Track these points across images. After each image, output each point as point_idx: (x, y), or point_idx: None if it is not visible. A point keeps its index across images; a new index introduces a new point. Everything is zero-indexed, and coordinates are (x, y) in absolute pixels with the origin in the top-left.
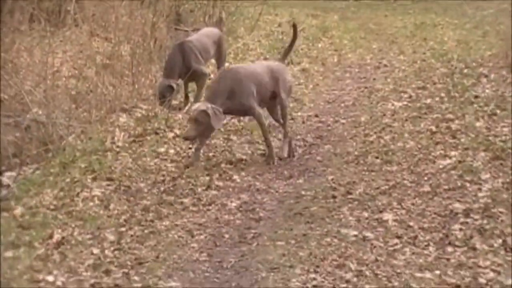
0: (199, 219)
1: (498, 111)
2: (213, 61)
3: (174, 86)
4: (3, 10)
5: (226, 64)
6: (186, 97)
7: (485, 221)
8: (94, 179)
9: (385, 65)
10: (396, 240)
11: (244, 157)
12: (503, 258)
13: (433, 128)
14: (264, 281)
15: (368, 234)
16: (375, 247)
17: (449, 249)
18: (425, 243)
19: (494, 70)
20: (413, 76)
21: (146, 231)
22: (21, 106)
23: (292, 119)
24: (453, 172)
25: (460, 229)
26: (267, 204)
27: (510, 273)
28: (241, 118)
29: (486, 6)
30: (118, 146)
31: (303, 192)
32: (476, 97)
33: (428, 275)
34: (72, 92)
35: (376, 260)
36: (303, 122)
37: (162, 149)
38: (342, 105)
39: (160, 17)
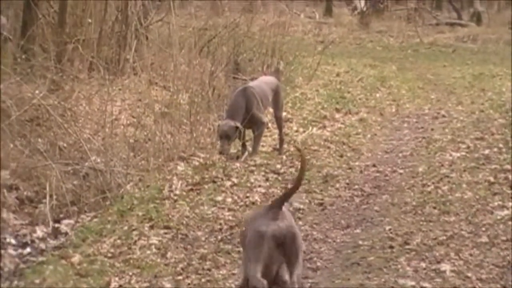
0: None
1: None
2: (270, 110)
3: (240, 127)
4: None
5: (284, 113)
6: (244, 145)
7: None
8: (151, 227)
9: (443, 116)
10: None
11: (301, 206)
12: None
13: (491, 179)
14: None
15: (426, 285)
16: None
17: None
18: None
19: None
20: (471, 126)
21: (203, 279)
22: (79, 154)
23: (350, 168)
24: (510, 223)
25: None
26: (324, 253)
27: None
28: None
29: None
30: (175, 194)
31: (360, 242)
32: None
33: None
34: (130, 140)
35: None
36: (361, 172)
37: (219, 198)
38: (400, 155)
39: (218, 66)
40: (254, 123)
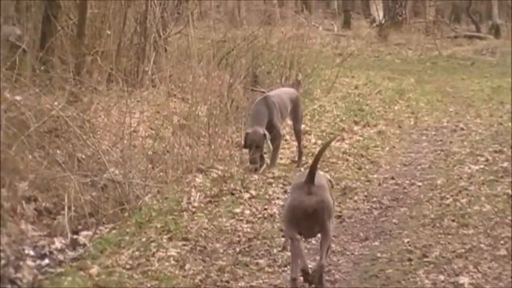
0: (275, 281)
1: None
2: (288, 122)
3: (268, 135)
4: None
5: (302, 126)
6: (262, 157)
7: None
8: (170, 239)
9: (462, 128)
10: None
11: None
12: None
13: (510, 192)
14: None
15: None
16: None
17: None
18: None
19: None
20: (489, 139)
21: None
22: (98, 165)
23: (368, 181)
24: None
25: None
26: (342, 266)
27: None
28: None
29: None
30: (194, 207)
31: (378, 255)
32: None
33: None
34: (149, 152)
35: None
36: (379, 184)
37: (238, 210)
38: (419, 167)
39: (237, 78)
40: (272, 133)
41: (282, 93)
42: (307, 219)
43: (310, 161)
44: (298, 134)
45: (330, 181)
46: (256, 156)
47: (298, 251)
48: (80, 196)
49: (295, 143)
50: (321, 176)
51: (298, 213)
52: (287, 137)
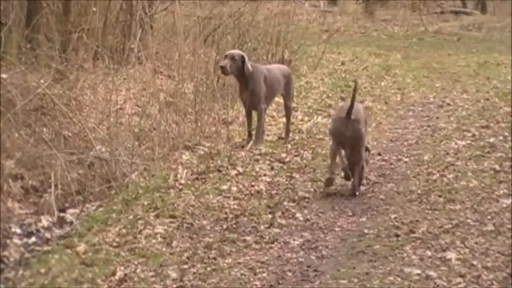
0: (262, 257)
1: None
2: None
3: (246, 57)
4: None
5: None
6: (249, 134)
7: None
8: (157, 216)
9: (448, 104)
10: (459, 279)
11: (306, 195)
12: None
13: (497, 167)
14: None
15: (432, 273)
16: (438, 286)
17: None
18: (489, 282)
19: None
20: (476, 115)
21: (208, 268)
22: (84, 143)
23: None
24: None
25: None
26: (329, 242)
27: None
28: (304, 156)
29: None
30: (181, 184)
31: (366, 231)
32: None
33: None
34: (135, 129)
35: None
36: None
37: (224, 187)
38: (405, 143)
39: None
40: (254, 103)
41: (274, 67)
42: (345, 142)
43: (297, 137)
44: (288, 110)
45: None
46: (227, 63)
47: (340, 153)
48: (67, 174)
49: (282, 120)
50: (359, 107)
51: (338, 137)
52: (274, 113)
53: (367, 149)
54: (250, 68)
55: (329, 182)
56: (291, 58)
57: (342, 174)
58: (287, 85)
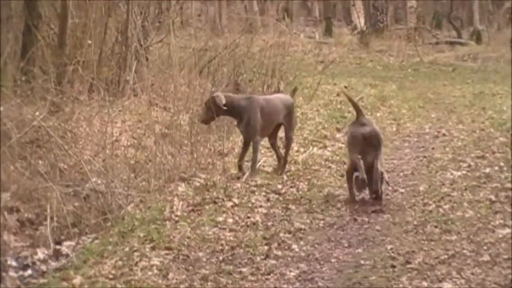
0: None
1: None
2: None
3: (222, 98)
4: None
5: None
6: (240, 167)
7: None
8: (152, 248)
9: (444, 134)
10: None
11: (302, 226)
12: None
13: (493, 197)
14: None
15: None
16: None
17: None
18: None
19: None
20: (472, 145)
21: None
22: (80, 175)
23: None
24: None
25: None
26: (326, 273)
27: None
28: (300, 187)
29: None
30: (176, 215)
31: (362, 262)
32: None
33: None
34: (131, 161)
35: None
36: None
37: (220, 218)
38: (401, 174)
39: (219, 87)
40: (249, 135)
41: (274, 97)
42: (364, 144)
43: (293, 169)
44: (288, 141)
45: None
46: (204, 116)
47: (360, 166)
48: (63, 207)
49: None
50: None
51: (357, 140)
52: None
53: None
54: (223, 101)
55: (363, 183)
56: (297, 87)
57: (364, 190)
58: (288, 115)
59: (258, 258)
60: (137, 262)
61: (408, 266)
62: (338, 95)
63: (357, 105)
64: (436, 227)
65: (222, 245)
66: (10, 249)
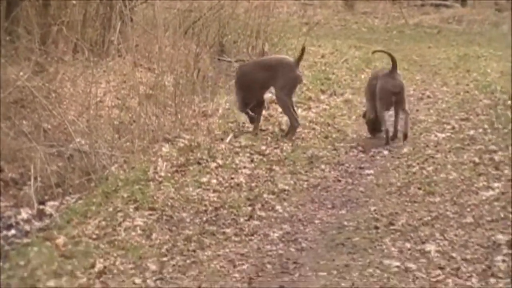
0: (241, 249)
1: None
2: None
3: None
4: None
5: (269, 95)
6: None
7: None
8: (136, 208)
9: (428, 96)
10: (438, 271)
11: (286, 187)
12: None
13: (476, 160)
14: None
15: (411, 265)
16: (417, 278)
17: (492, 280)
18: (468, 274)
19: None
20: (456, 107)
21: (188, 261)
22: (64, 136)
23: (335, 149)
24: (496, 203)
25: (503, 261)
26: (309, 234)
27: None
28: (284, 148)
29: None
30: (160, 176)
31: (345, 223)
32: None
33: None
34: (115, 122)
35: None
36: (346, 153)
37: (204, 179)
38: (385, 136)
39: (203, 48)
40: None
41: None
42: (392, 96)
43: (277, 130)
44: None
45: None
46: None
47: (386, 117)
48: (46, 167)
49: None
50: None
51: (387, 92)
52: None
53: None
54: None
55: (387, 132)
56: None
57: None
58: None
59: (242, 219)
60: (120, 223)
61: (392, 227)
62: (322, 56)
63: (394, 58)
64: (419, 189)
65: (205, 206)
66: None
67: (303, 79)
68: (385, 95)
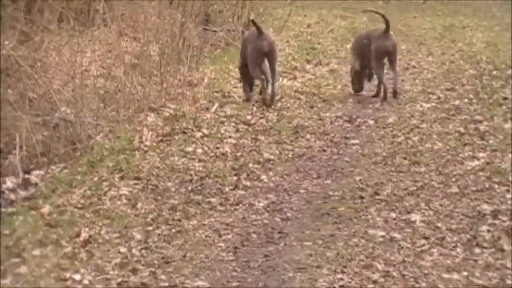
0: (226, 219)
1: None
2: None
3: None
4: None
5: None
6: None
7: None
8: (121, 178)
9: (414, 67)
10: (423, 241)
11: (271, 157)
12: None
13: (462, 130)
14: (291, 281)
15: (396, 235)
16: (402, 248)
17: (477, 250)
18: (453, 244)
19: None
20: (441, 77)
21: (173, 230)
22: (49, 105)
23: (320, 119)
24: (481, 173)
25: (488, 231)
26: (294, 204)
27: None
28: (269, 118)
29: None
30: (146, 145)
31: (330, 193)
32: (504, 98)
33: (455, 276)
34: (101, 91)
35: (404, 261)
36: (331, 123)
37: (189, 149)
38: (370, 105)
39: (189, 17)
40: None
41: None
42: (386, 55)
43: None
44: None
45: None
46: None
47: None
48: (32, 136)
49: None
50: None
51: (382, 51)
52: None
53: None
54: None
55: (385, 86)
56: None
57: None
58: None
59: (227, 189)
60: (105, 192)
61: (377, 197)
62: (308, 26)
63: (387, 19)
64: (405, 158)
65: (191, 175)
66: None
67: (289, 49)
68: (382, 55)
